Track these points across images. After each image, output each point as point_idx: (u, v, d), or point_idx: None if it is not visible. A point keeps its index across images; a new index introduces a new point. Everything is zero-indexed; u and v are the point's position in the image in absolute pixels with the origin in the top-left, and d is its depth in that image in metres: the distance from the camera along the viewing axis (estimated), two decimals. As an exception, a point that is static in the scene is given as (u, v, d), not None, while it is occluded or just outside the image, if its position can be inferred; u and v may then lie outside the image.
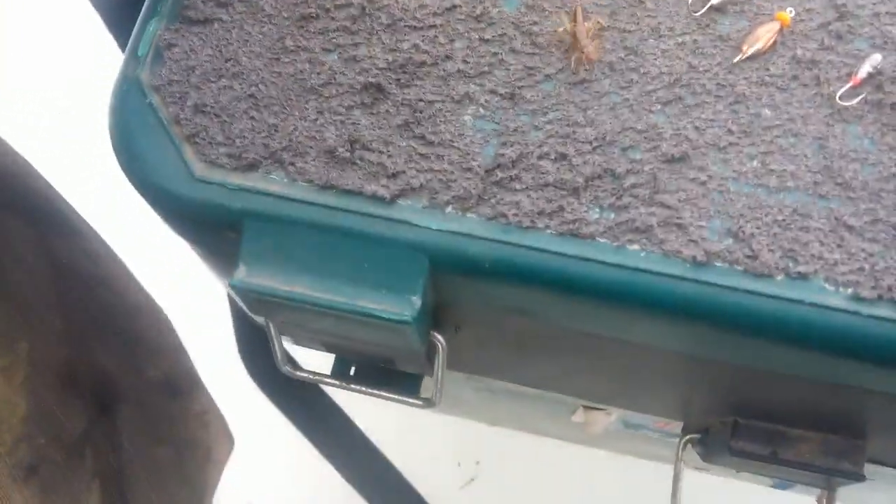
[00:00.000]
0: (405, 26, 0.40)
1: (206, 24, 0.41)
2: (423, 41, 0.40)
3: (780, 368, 0.38)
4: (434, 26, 0.40)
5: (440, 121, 0.39)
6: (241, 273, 0.38)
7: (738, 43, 0.39)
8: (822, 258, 0.36)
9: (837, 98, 0.38)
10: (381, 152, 0.38)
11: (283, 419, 0.73)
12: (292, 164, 0.38)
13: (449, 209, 0.38)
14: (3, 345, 0.47)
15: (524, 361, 0.49)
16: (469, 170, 0.38)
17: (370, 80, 0.39)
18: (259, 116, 0.39)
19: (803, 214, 0.36)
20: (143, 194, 0.39)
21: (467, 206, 0.38)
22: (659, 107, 0.38)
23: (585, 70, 0.39)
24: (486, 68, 0.39)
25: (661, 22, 0.40)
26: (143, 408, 0.59)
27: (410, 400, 0.48)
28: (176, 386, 0.63)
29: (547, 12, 0.40)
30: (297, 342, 0.50)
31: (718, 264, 0.36)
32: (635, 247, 0.37)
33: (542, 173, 0.38)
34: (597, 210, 0.37)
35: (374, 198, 0.38)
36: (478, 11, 0.40)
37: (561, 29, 0.40)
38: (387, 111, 0.39)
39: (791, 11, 0.39)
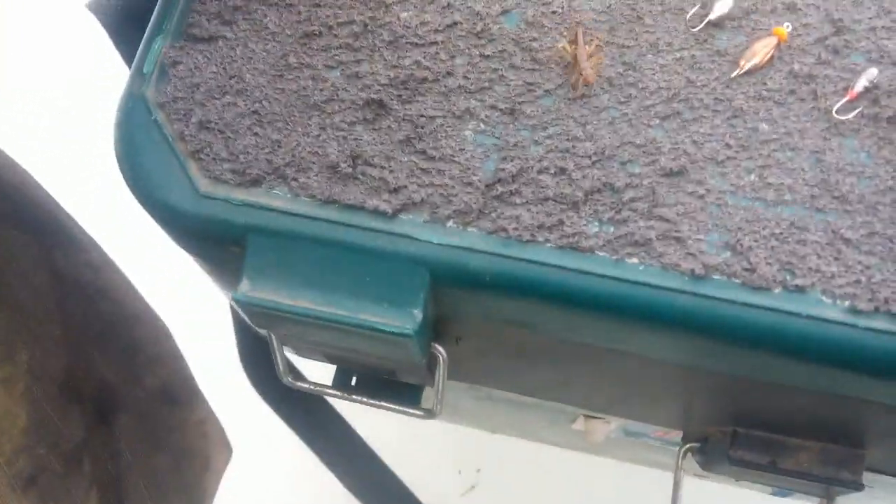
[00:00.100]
0: (407, 43, 0.41)
1: (211, 41, 0.41)
2: (424, 58, 0.40)
3: (778, 380, 0.39)
4: (435, 43, 0.41)
5: (441, 136, 0.39)
6: (245, 287, 0.39)
7: (736, 58, 0.40)
8: (819, 271, 0.36)
9: (834, 112, 0.38)
10: (382, 167, 0.39)
11: (281, 428, 0.73)
12: (295, 179, 0.39)
13: (450, 223, 0.38)
14: (3, 355, 0.48)
15: (525, 372, 0.50)
16: (470, 184, 0.38)
17: (372, 96, 0.40)
18: (263, 132, 0.40)
19: (801, 227, 0.37)
20: (148, 210, 0.40)
21: (468, 221, 0.38)
22: (657, 121, 0.39)
23: (585, 91, 0.39)
24: (486, 84, 0.40)
25: (659, 37, 0.40)
26: (141, 416, 0.59)
27: (411, 411, 0.48)
28: (174, 395, 0.63)
29: (546, 28, 0.41)
30: (300, 353, 0.51)
31: (716, 277, 0.36)
32: (634, 260, 0.37)
33: (542, 187, 0.38)
34: (596, 224, 0.38)
35: (376, 212, 0.38)
36: (478, 28, 0.41)
37: (560, 45, 0.40)
38: (388, 127, 0.40)
39: (788, 27, 0.40)
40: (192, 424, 0.64)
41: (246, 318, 0.46)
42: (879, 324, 0.35)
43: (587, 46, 0.39)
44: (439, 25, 0.41)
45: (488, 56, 0.40)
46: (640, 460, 0.82)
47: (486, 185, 0.38)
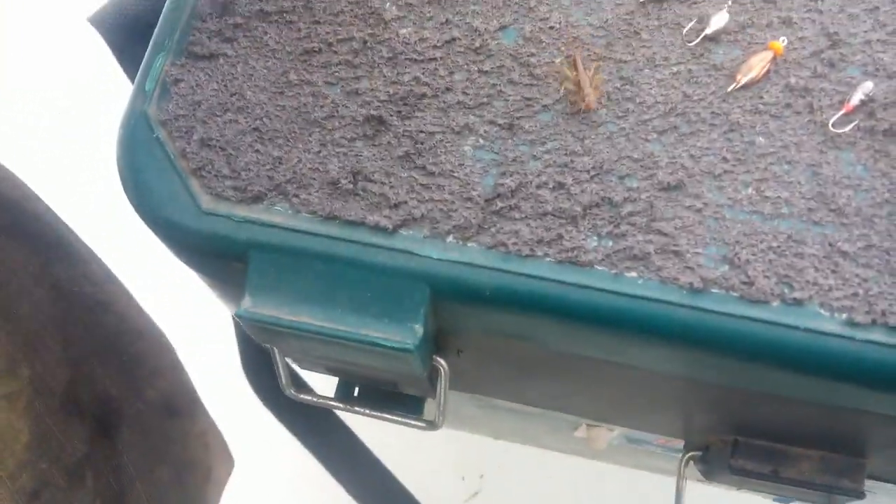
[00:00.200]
0: (406, 59, 0.41)
1: (212, 59, 0.42)
2: (423, 74, 0.41)
3: (778, 391, 0.39)
4: (434, 59, 0.41)
5: (441, 151, 0.40)
6: (247, 303, 0.39)
7: (732, 72, 0.40)
8: (816, 284, 0.36)
9: (830, 125, 0.39)
10: (382, 183, 0.39)
11: (282, 438, 0.74)
12: (296, 195, 0.39)
13: (450, 238, 0.38)
14: (5, 371, 0.48)
15: (525, 383, 0.50)
16: (469, 199, 0.39)
17: (372, 112, 0.40)
18: (264, 149, 0.40)
19: (798, 241, 0.37)
20: (151, 227, 0.40)
21: (468, 236, 0.38)
22: (655, 135, 0.39)
23: (585, 114, 0.39)
24: (485, 100, 0.40)
25: (656, 52, 0.41)
26: (143, 429, 0.59)
27: (414, 422, 0.48)
28: (176, 406, 0.63)
29: (544, 44, 0.41)
30: (302, 366, 0.51)
31: (715, 291, 0.37)
32: (633, 274, 0.37)
33: (541, 202, 0.38)
34: (595, 238, 0.38)
35: (377, 228, 0.39)
36: (477, 44, 0.41)
37: (558, 61, 0.41)
38: (388, 143, 0.40)
39: (784, 40, 0.40)
40: (194, 436, 0.64)
41: (249, 333, 0.47)
42: (877, 336, 0.35)
43: (588, 70, 0.39)
44: (438, 42, 0.41)
45: (487, 72, 0.41)
46: (642, 466, 0.82)
47: (486, 201, 0.39)
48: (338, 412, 0.75)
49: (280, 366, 0.46)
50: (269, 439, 0.78)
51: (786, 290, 0.36)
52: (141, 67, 0.42)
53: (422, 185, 0.39)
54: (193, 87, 0.41)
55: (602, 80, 0.40)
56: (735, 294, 0.36)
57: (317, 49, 0.42)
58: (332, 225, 0.39)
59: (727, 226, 0.37)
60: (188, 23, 0.42)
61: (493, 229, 0.38)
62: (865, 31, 0.40)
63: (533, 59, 0.41)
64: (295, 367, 0.53)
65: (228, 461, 0.68)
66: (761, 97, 0.40)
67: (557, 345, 0.40)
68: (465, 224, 0.38)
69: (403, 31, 0.42)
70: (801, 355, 0.36)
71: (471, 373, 0.48)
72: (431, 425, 0.47)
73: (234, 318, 0.65)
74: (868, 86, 0.39)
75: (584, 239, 0.38)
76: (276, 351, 0.45)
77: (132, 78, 0.51)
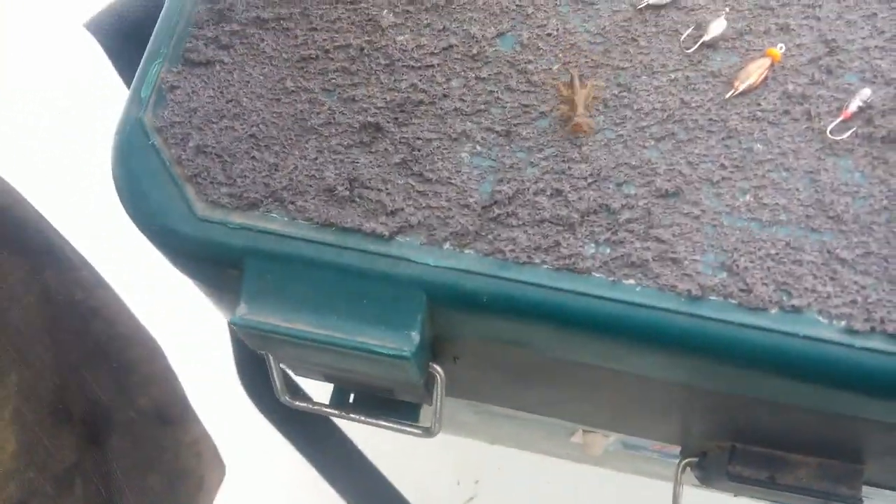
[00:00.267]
0: (403, 66, 0.41)
1: (208, 65, 0.41)
2: (420, 80, 0.41)
3: (776, 398, 0.39)
4: (431, 66, 0.41)
5: (438, 158, 0.39)
6: (243, 310, 0.39)
7: (730, 79, 0.40)
8: (815, 291, 0.36)
9: (828, 132, 0.39)
10: (379, 190, 0.39)
11: (275, 444, 0.73)
12: (292, 202, 0.39)
13: (447, 245, 0.38)
14: None
15: (522, 389, 0.50)
16: (466, 206, 0.39)
17: (369, 119, 0.40)
18: (260, 156, 0.40)
19: (796, 248, 0.37)
20: (146, 234, 0.40)
21: (465, 243, 0.38)
22: (652, 142, 0.39)
23: (580, 136, 0.39)
24: (482, 106, 0.40)
25: (653, 59, 0.41)
26: (133, 437, 0.59)
27: (410, 429, 0.48)
28: (167, 415, 0.63)
29: (541, 51, 0.41)
30: (297, 373, 0.51)
31: (713, 298, 0.36)
32: (631, 281, 0.37)
33: (539, 209, 0.38)
34: (592, 245, 0.38)
35: (373, 235, 0.39)
36: (474, 51, 0.41)
37: (555, 67, 0.40)
38: (385, 150, 0.40)
39: (781, 47, 0.40)
40: (186, 444, 0.64)
41: (244, 340, 0.47)
42: (875, 343, 0.35)
43: (584, 88, 0.39)
44: (435, 48, 0.41)
45: (484, 78, 0.41)
46: (639, 472, 0.82)
47: (483, 207, 0.38)
48: (333, 419, 0.74)
49: (275, 372, 0.46)
50: (262, 446, 0.78)
51: (784, 298, 0.36)
52: (137, 74, 0.42)
53: (419, 192, 0.39)
54: (189, 93, 0.41)
55: (597, 99, 0.40)
56: (733, 301, 0.36)
57: (313, 56, 0.41)
58: (328, 232, 0.39)
59: (725, 233, 0.37)
60: (185, 29, 0.42)
61: (490, 236, 0.38)
62: (863, 38, 0.40)
63: (530, 66, 0.41)
64: (290, 373, 0.53)
65: (220, 469, 0.67)
66: (759, 104, 0.39)
67: (554, 352, 0.40)
68: (462, 231, 0.38)
69: (401, 38, 0.42)
70: (800, 363, 0.36)
71: (467, 379, 0.48)
72: (427, 432, 0.47)
73: (229, 325, 0.64)
74: (866, 92, 0.39)
75: (581, 246, 0.38)
76: (270, 358, 0.45)
77: (128, 83, 0.51)
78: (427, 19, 0.42)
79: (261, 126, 0.40)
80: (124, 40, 0.49)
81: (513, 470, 0.97)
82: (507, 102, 0.40)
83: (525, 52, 0.41)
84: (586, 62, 0.41)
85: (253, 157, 0.40)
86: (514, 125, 0.40)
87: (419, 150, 0.40)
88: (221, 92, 0.41)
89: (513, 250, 0.38)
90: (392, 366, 0.39)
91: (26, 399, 0.49)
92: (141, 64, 0.42)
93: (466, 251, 0.38)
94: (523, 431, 0.72)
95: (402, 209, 0.39)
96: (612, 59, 0.41)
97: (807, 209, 0.38)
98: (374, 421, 0.49)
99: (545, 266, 0.38)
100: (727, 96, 0.40)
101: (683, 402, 0.44)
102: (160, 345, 0.64)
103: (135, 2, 0.51)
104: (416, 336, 0.38)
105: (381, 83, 0.41)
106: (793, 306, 0.36)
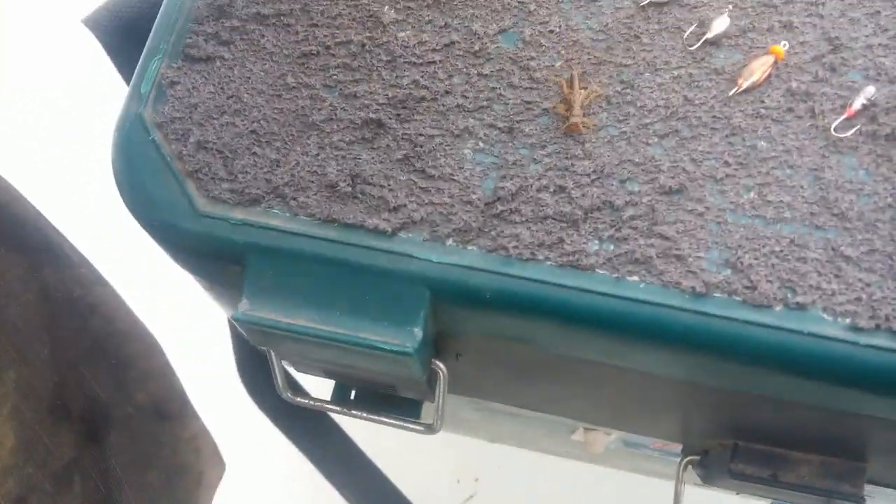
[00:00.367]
0: (405, 62, 0.41)
1: (209, 61, 0.41)
2: (422, 77, 0.40)
3: (779, 395, 0.39)
4: (433, 62, 0.41)
5: (440, 155, 0.39)
6: (245, 306, 0.39)
7: (734, 76, 0.40)
8: (819, 288, 0.36)
9: (832, 130, 0.39)
10: (381, 186, 0.39)
11: (274, 441, 0.73)
12: (294, 198, 0.39)
13: (449, 242, 0.38)
14: None
15: (524, 386, 0.50)
16: (469, 203, 0.38)
17: (370, 115, 0.40)
18: (261, 152, 0.40)
19: (800, 245, 0.37)
20: (147, 230, 0.40)
21: (468, 239, 0.38)
22: (656, 139, 0.39)
23: (574, 136, 0.39)
24: (484, 103, 0.40)
25: (656, 56, 0.40)
26: (132, 433, 0.59)
27: (411, 426, 0.48)
28: (166, 410, 0.63)
29: (544, 48, 0.41)
30: (299, 369, 0.51)
31: (717, 295, 0.36)
32: (635, 278, 0.37)
33: (542, 206, 0.38)
34: (596, 242, 0.38)
35: (376, 231, 0.38)
36: (476, 47, 0.41)
37: (558, 64, 0.40)
38: (387, 146, 0.40)
39: (785, 45, 0.40)
40: (185, 440, 0.63)
41: (245, 336, 0.46)
42: (880, 341, 0.35)
43: (582, 90, 0.39)
44: (437, 45, 0.41)
45: (486, 75, 0.41)
46: (640, 470, 0.82)
47: (486, 204, 0.38)
48: (333, 416, 0.74)
49: (276, 369, 0.46)
50: (261, 442, 0.77)
51: (788, 295, 0.36)
52: (136, 70, 0.41)
53: (421, 188, 0.39)
54: (190, 89, 0.41)
55: (600, 97, 0.39)
56: (737, 298, 0.36)
57: (314, 52, 0.41)
58: (330, 228, 0.39)
59: (729, 230, 0.37)
60: (184, 25, 0.42)
61: (493, 233, 0.38)
62: (867, 36, 0.40)
63: (533, 63, 0.41)
64: (290, 370, 0.53)
65: (220, 465, 0.67)
66: (763, 101, 0.39)
67: (557, 349, 0.40)
68: (465, 227, 0.38)
69: (402, 34, 0.42)
70: (804, 360, 0.36)
71: (469, 376, 0.48)
72: (429, 429, 0.47)
73: (229, 322, 0.64)
74: (870, 90, 0.39)
75: (585, 242, 0.37)
76: (272, 354, 0.45)
77: (127, 79, 0.51)
78: (428, 16, 0.42)
79: (262, 122, 0.40)
80: (123, 37, 0.49)
81: (513, 468, 0.97)
82: (509, 99, 0.40)
83: (527, 49, 0.41)
84: (589, 59, 0.41)
85: (254, 153, 0.40)
86: (517, 122, 0.40)
87: (421, 147, 0.39)
88: (222, 88, 0.41)
89: (516, 247, 0.38)
90: (395, 362, 0.39)
91: (25, 396, 0.49)
92: (140, 60, 0.41)
93: (469, 247, 0.38)
94: (524, 429, 0.72)
95: (405, 205, 0.38)
96: (615, 56, 0.41)
97: (811, 206, 0.37)
98: (375, 417, 0.48)
99: (548, 262, 0.37)
100: (731, 93, 0.40)
101: (686, 399, 0.44)
102: (159, 341, 0.64)
103: None
104: (418, 332, 0.38)
105: (383, 79, 0.41)
106: (797, 303, 0.36)
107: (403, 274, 0.38)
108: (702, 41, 0.40)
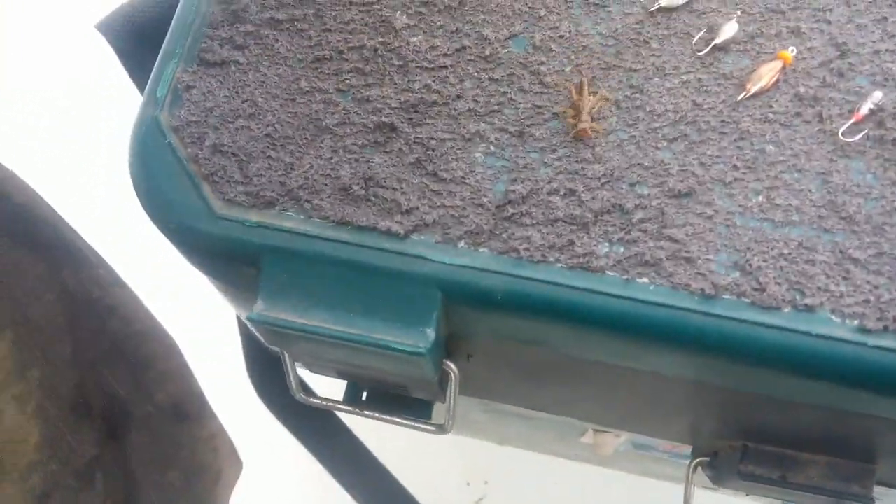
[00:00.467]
0: (416, 67, 0.41)
1: (224, 66, 0.42)
2: (434, 81, 0.41)
3: (788, 397, 0.39)
4: (445, 67, 0.41)
5: (452, 158, 0.40)
6: (260, 307, 0.39)
7: (742, 81, 0.40)
8: (828, 290, 0.36)
9: (840, 134, 0.39)
10: (394, 189, 0.39)
11: (291, 440, 0.74)
12: (308, 201, 0.39)
13: (461, 244, 0.39)
14: (15, 373, 0.48)
15: (535, 388, 0.50)
16: (480, 206, 0.39)
17: (383, 119, 0.40)
18: (276, 155, 0.40)
19: (809, 248, 0.37)
20: (164, 232, 0.40)
21: (479, 241, 0.39)
22: (665, 143, 0.39)
23: (580, 140, 0.39)
24: (495, 107, 0.41)
25: (665, 61, 0.41)
26: (151, 433, 0.59)
27: (423, 426, 0.48)
28: (184, 410, 0.63)
29: (554, 53, 0.41)
30: (312, 370, 0.51)
31: (726, 297, 0.37)
32: (644, 280, 0.37)
33: (552, 208, 0.39)
34: (606, 244, 0.38)
35: (389, 233, 0.39)
36: (487, 52, 0.42)
37: (568, 69, 0.41)
38: (399, 149, 0.40)
39: (793, 50, 0.40)
40: (203, 440, 0.64)
41: (260, 337, 0.47)
42: (888, 342, 0.36)
43: (591, 97, 0.40)
44: (448, 50, 0.42)
45: (497, 80, 0.41)
46: (649, 473, 0.82)
47: (497, 207, 0.39)
48: (343, 417, 0.75)
49: (290, 370, 0.46)
50: (276, 442, 0.78)
51: (797, 297, 0.36)
52: (152, 74, 0.42)
53: (433, 191, 0.39)
54: (205, 93, 0.41)
55: (609, 101, 0.40)
56: (746, 300, 0.37)
57: (328, 57, 0.42)
58: (343, 230, 0.39)
59: (738, 233, 0.38)
60: (200, 30, 0.43)
61: (504, 235, 0.38)
62: (874, 42, 0.40)
63: (543, 68, 0.41)
64: (303, 372, 0.53)
65: (237, 465, 0.68)
66: (771, 106, 0.40)
67: (568, 350, 0.41)
68: (477, 230, 0.39)
69: (414, 39, 0.42)
70: (813, 361, 0.36)
71: (480, 377, 0.48)
72: (440, 429, 0.47)
73: (238, 324, 0.65)
74: (877, 95, 0.39)
75: (595, 245, 0.38)
76: (286, 355, 0.45)
77: (139, 84, 0.52)
78: (440, 21, 0.43)
79: (276, 126, 0.41)
80: (136, 42, 0.50)
81: (522, 471, 0.97)
82: (519, 103, 0.41)
83: (537, 54, 0.41)
84: (598, 64, 0.41)
85: (269, 157, 0.40)
86: (528, 126, 0.40)
87: (433, 150, 0.40)
88: (237, 92, 0.41)
89: (527, 249, 0.38)
90: (407, 362, 0.40)
91: (48, 394, 0.50)
92: (156, 64, 0.42)
93: (481, 249, 0.38)
94: (533, 432, 0.72)
95: (417, 208, 0.39)
96: (625, 60, 0.41)
97: (819, 210, 0.38)
98: (387, 417, 0.49)
99: (559, 265, 0.38)
100: (739, 98, 0.40)
101: (695, 400, 0.44)
102: (175, 340, 0.64)
103: (145, 4, 0.51)
104: (431, 333, 0.38)
105: (395, 84, 0.41)
106: (806, 305, 0.36)
107: (416, 276, 0.39)
108: (710, 46, 0.41)
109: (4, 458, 0.47)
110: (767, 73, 0.40)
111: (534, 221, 0.39)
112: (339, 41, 0.42)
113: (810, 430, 0.43)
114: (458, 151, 0.40)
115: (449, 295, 0.39)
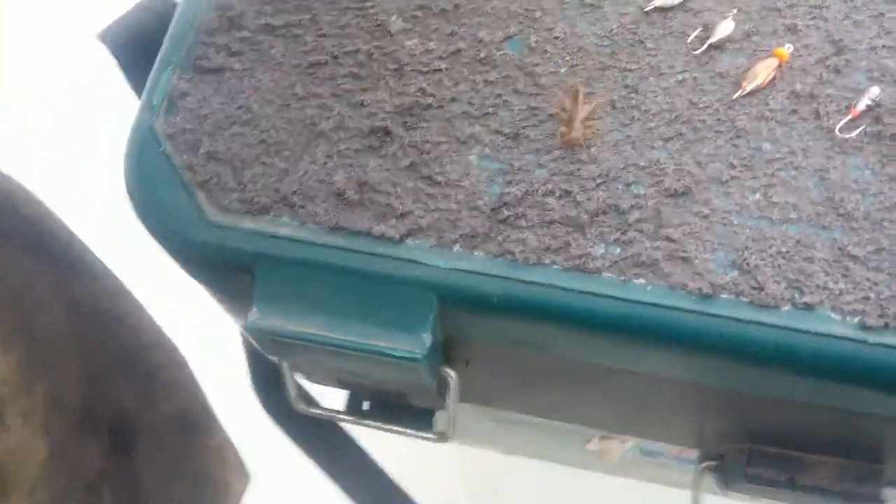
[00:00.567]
0: (411, 71, 0.41)
1: (219, 72, 0.42)
2: (428, 85, 0.41)
3: (791, 396, 0.39)
4: (440, 70, 0.41)
5: (446, 161, 0.40)
6: (255, 315, 0.39)
7: (738, 79, 0.40)
8: (827, 288, 0.36)
9: (837, 130, 0.39)
10: (389, 193, 0.39)
11: (297, 450, 0.74)
12: (302, 207, 0.39)
13: (456, 247, 0.38)
14: (22, 387, 0.48)
15: (535, 392, 0.50)
16: (475, 208, 0.39)
17: (377, 123, 0.40)
18: (270, 161, 0.40)
19: (807, 245, 0.37)
20: (158, 240, 0.40)
21: (474, 244, 0.38)
22: (661, 143, 0.39)
23: (572, 148, 0.39)
24: (490, 109, 0.40)
25: (661, 60, 0.41)
26: (159, 444, 0.59)
27: (425, 434, 0.48)
28: (191, 421, 0.63)
29: (549, 54, 0.41)
30: (311, 380, 0.51)
31: (724, 296, 0.36)
32: (641, 281, 0.37)
33: (548, 210, 0.38)
34: (602, 245, 0.38)
35: (383, 238, 0.39)
36: (482, 55, 0.41)
37: (563, 70, 0.41)
38: (394, 153, 0.40)
39: (789, 48, 0.40)
40: (211, 451, 0.64)
41: (256, 345, 0.47)
42: (889, 339, 0.35)
43: (586, 105, 0.39)
44: (443, 53, 0.42)
45: (492, 82, 0.41)
46: (657, 480, 0.81)
47: (492, 209, 0.39)
48: (346, 428, 0.75)
49: (289, 380, 0.46)
50: (284, 454, 0.78)
51: (796, 295, 0.36)
52: (148, 82, 0.42)
53: (428, 194, 0.39)
54: (200, 100, 0.41)
55: (595, 126, 0.40)
56: (745, 299, 0.36)
57: (323, 62, 0.42)
58: (338, 235, 0.39)
59: (735, 231, 0.37)
60: (195, 37, 0.43)
61: (499, 238, 0.38)
62: (870, 38, 0.40)
63: (538, 69, 0.41)
64: (304, 382, 0.53)
65: (245, 475, 0.68)
66: (767, 104, 0.39)
67: (566, 353, 0.40)
68: (472, 233, 0.38)
69: (409, 42, 0.42)
70: (813, 359, 0.36)
71: (480, 383, 0.48)
72: (442, 437, 0.47)
73: (242, 335, 0.65)
74: (874, 91, 0.39)
75: (591, 246, 0.38)
76: (284, 365, 0.45)
77: (139, 94, 0.52)
78: (435, 24, 0.43)
79: (271, 132, 0.41)
80: (138, 52, 0.50)
81: (530, 481, 0.96)
82: (514, 105, 0.40)
83: (532, 56, 0.41)
84: (594, 64, 0.41)
85: (263, 163, 0.40)
86: (523, 128, 0.40)
87: (428, 154, 0.40)
88: (232, 98, 0.41)
89: (522, 251, 0.38)
90: (404, 368, 0.39)
91: (55, 408, 0.50)
92: (152, 72, 0.42)
93: (476, 253, 0.38)
94: (538, 440, 0.72)
95: (412, 212, 0.39)
96: (620, 61, 0.41)
97: (817, 207, 0.37)
98: (388, 427, 0.49)
99: (555, 267, 0.38)
100: (735, 96, 0.40)
101: (698, 402, 0.44)
102: (181, 351, 0.64)
103: (147, 14, 0.51)
104: (427, 338, 0.38)
105: (390, 88, 0.41)
106: (805, 303, 0.36)
107: (411, 280, 0.38)
108: (706, 45, 0.41)
109: (11, 472, 0.47)
110: (763, 71, 0.39)
111: (529, 223, 0.38)
112: (334, 46, 0.42)
113: (816, 431, 0.43)
114: (453, 154, 0.40)
115: (445, 299, 0.38)
